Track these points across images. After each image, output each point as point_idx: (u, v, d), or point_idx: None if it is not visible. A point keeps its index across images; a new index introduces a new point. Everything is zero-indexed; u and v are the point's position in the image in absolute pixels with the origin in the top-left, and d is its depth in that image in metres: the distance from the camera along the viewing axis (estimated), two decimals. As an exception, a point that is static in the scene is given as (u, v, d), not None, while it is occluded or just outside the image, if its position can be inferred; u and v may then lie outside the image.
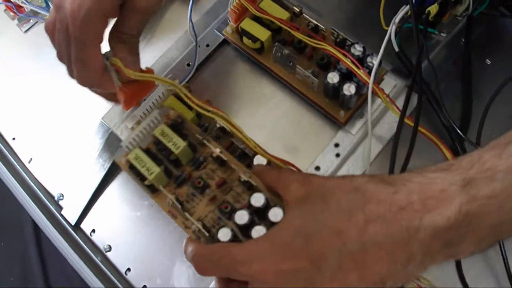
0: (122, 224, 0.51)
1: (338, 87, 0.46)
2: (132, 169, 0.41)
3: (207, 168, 0.41)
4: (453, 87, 0.51)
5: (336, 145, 0.48)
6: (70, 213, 0.52)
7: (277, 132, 0.50)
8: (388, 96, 0.46)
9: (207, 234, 0.38)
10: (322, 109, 0.48)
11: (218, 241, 0.36)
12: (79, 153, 0.54)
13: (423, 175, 0.31)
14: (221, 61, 0.53)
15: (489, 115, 0.49)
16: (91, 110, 0.54)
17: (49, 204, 0.53)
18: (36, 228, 0.70)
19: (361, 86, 0.46)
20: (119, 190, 0.52)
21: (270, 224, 0.35)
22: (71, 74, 0.43)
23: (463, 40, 0.53)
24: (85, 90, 0.47)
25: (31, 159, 0.56)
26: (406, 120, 0.44)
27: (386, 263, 0.29)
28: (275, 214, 0.35)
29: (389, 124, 0.49)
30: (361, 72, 0.45)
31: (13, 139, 0.57)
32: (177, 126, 0.41)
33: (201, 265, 0.34)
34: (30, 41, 0.60)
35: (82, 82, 0.43)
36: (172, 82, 0.41)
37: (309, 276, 0.30)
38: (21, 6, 0.54)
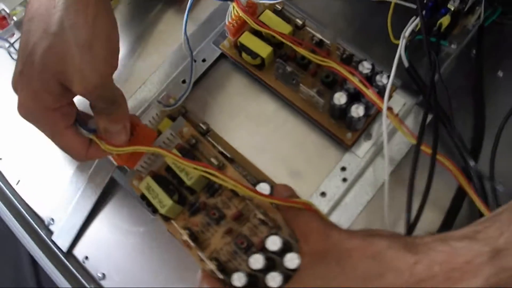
0: (116, 251, 0.48)
1: (345, 109, 0.43)
2: (143, 197, 0.39)
3: (223, 195, 0.39)
4: (465, 103, 0.48)
5: (343, 168, 0.45)
6: (62, 239, 0.50)
7: (279, 154, 0.47)
8: (400, 119, 0.43)
9: (221, 277, 0.36)
10: (327, 131, 0.46)
11: (232, 286, 0.35)
12: (70, 175, 0.51)
13: (448, 244, 0.28)
14: (218, 77, 0.50)
15: (504, 132, 0.46)
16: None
17: (39, 229, 0.51)
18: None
19: (369, 107, 0.43)
20: (113, 215, 0.49)
21: (286, 270, 0.33)
22: None
23: (474, 51, 0.50)
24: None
25: (18, 181, 0.53)
26: (424, 148, 0.41)
27: None
28: (291, 259, 0.33)
29: (398, 146, 0.46)
30: (370, 93, 0.42)
31: (0, 159, 0.54)
32: (190, 151, 0.40)
33: None
34: (14, 56, 0.56)
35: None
36: (158, 150, 0.38)
37: None
38: (4, 19, 0.50)
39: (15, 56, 0.53)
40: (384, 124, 0.42)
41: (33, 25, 0.34)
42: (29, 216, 0.51)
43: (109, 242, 0.49)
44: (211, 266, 0.36)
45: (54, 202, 0.51)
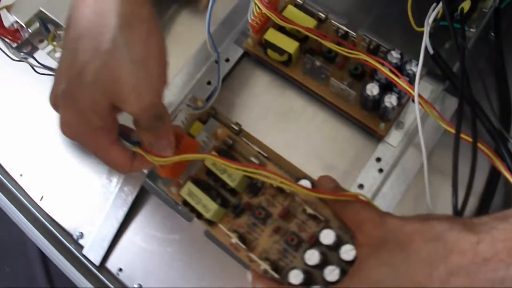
0: (152, 260, 0.47)
1: (379, 99, 0.43)
2: (185, 204, 0.39)
3: (266, 194, 0.39)
4: (488, 85, 0.48)
5: (378, 159, 0.45)
6: (93, 252, 0.49)
7: (311, 150, 0.46)
8: (432, 105, 0.43)
9: (277, 276, 0.35)
10: (360, 122, 0.45)
11: (289, 283, 0.34)
12: (96, 185, 0.50)
13: (508, 222, 0.28)
14: (242, 76, 0.49)
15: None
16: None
17: (68, 244, 0.49)
18: (41, 251, 0.67)
19: (402, 96, 0.43)
20: (146, 224, 0.48)
21: (341, 262, 0.33)
22: None
23: (492, 34, 0.50)
24: None
25: (42, 196, 0.51)
26: (463, 136, 0.41)
27: None
28: (347, 251, 0.33)
29: (428, 133, 0.46)
30: (402, 82, 0.42)
31: (21, 175, 0.53)
32: (228, 152, 0.39)
33: None
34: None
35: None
36: (205, 156, 0.38)
37: None
38: (17, 31, 0.49)
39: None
40: (416, 111, 0.42)
41: (81, 44, 0.32)
42: (56, 231, 0.50)
43: (143, 252, 0.48)
44: (265, 266, 0.36)
45: (81, 216, 0.50)
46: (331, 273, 0.33)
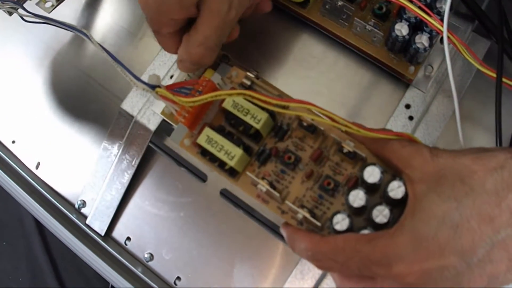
0: (163, 227, 0.44)
1: (408, 40, 0.39)
2: (204, 153, 0.34)
3: (293, 137, 0.34)
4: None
5: (407, 106, 0.42)
6: (98, 222, 0.45)
7: (335, 98, 0.43)
8: (465, 44, 0.39)
9: (318, 224, 0.32)
10: (386, 67, 0.42)
11: (334, 230, 0.31)
12: (97, 151, 0.46)
13: None
14: (254, 21, 0.45)
15: None
16: (105, 98, 0.47)
17: (70, 214, 0.46)
18: (37, 220, 0.65)
19: (433, 36, 0.40)
20: (155, 188, 0.45)
21: (389, 202, 0.30)
22: None
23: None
24: (93, 76, 0.45)
25: (38, 163, 0.48)
26: (505, 81, 0.38)
27: None
28: (395, 189, 0.30)
29: (460, 76, 0.43)
30: (433, 20, 0.38)
31: (13, 142, 0.49)
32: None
33: (323, 265, 0.30)
34: (16, 24, 0.50)
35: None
36: (241, 91, 0.33)
37: (457, 273, 0.27)
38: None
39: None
40: (446, 50, 0.39)
41: None
42: (56, 201, 0.47)
43: (153, 218, 0.45)
44: (303, 213, 0.32)
45: (82, 183, 0.46)
46: (381, 214, 0.30)
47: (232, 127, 0.35)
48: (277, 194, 0.32)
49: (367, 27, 0.41)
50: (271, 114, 0.34)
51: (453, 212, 0.27)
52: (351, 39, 0.42)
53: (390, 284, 0.29)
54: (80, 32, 0.37)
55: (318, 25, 0.43)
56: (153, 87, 0.33)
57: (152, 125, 0.43)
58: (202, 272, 0.43)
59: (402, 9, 0.40)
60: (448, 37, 0.39)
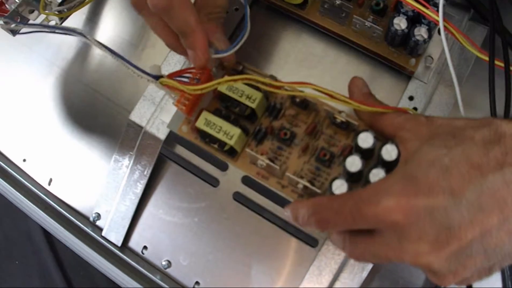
0: (179, 233, 0.45)
1: (407, 33, 0.40)
2: (203, 136, 0.36)
3: (287, 115, 0.36)
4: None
5: (411, 98, 0.43)
6: (113, 233, 0.46)
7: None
8: (462, 33, 0.40)
9: (319, 191, 0.33)
10: (387, 61, 0.43)
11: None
12: (108, 163, 0.47)
13: None
14: (255, 25, 0.46)
15: None
16: (112, 110, 0.48)
17: (85, 227, 0.47)
18: (47, 235, 0.68)
19: (432, 28, 0.41)
20: (168, 196, 0.46)
21: (384, 164, 0.32)
22: None
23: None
24: (99, 89, 0.45)
25: (50, 179, 0.49)
26: (497, 63, 0.39)
27: None
28: (389, 152, 0.31)
29: (460, 64, 0.44)
30: (430, 12, 0.39)
31: (24, 160, 0.50)
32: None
33: (322, 216, 0.31)
34: (18, 44, 0.51)
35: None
36: (246, 76, 0.34)
37: (446, 215, 0.27)
38: (2, 4, 0.45)
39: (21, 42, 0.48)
40: (443, 40, 0.40)
41: None
42: (71, 215, 0.48)
43: (168, 225, 0.46)
44: (303, 182, 0.34)
45: (96, 196, 0.47)
46: (377, 177, 0.31)
47: (228, 109, 0.37)
48: (276, 166, 0.34)
49: (366, 24, 0.42)
50: (264, 94, 0.36)
51: (443, 157, 0.28)
52: (351, 36, 0.43)
53: (387, 238, 0.29)
54: (78, 33, 0.38)
55: (318, 24, 0.44)
56: (156, 77, 0.34)
57: (162, 134, 0.44)
58: (220, 276, 0.44)
59: (399, 3, 0.41)
60: (445, 27, 0.40)
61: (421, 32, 0.40)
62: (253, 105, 0.35)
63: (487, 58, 0.41)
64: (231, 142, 0.35)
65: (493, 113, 0.41)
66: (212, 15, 0.39)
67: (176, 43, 0.37)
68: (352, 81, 0.36)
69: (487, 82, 0.42)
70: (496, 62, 0.41)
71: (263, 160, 0.34)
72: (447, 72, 0.44)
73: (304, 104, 0.36)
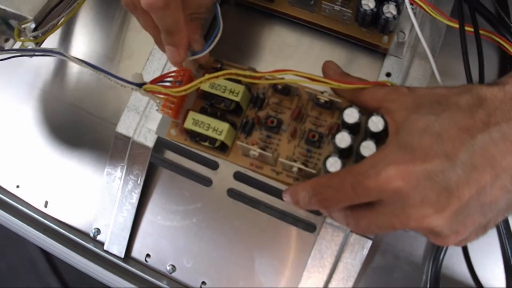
0: (179, 237, 0.46)
1: (377, 12, 0.41)
2: (193, 136, 0.37)
3: (270, 103, 0.37)
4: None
5: (388, 74, 0.44)
6: (115, 246, 0.47)
7: (317, 81, 0.45)
8: (429, 3, 0.41)
9: (314, 171, 0.34)
10: (360, 41, 0.44)
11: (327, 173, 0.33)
12: (101, 177, 0.48)
13: None
14: (228, 23, 0.46)
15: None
16: (98, 125, 0.49)
17: (86, 243, 0.48)
18: (49, 259, 0.67)
19: (400, 3, 0.42)
20: (164, 201, 0.47)
21: (373, 137, 0.33)
22: None
23: None
24: (82, 106, 0.46)
25: (46, 202, 0.49)
26: (467, 28, 0.40)
27: None
28: (375, 123, 0.33)
29: (432, 36, 0.45)
30: (394, -13, 0.40)
31: (17, 187, 0.51)
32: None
33: (323, 196, 0.32)
34: None
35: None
36: (228, 71, 0.35)
37: (444, 177, 0.29)
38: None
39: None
40: (410, 13, 0.41)
41: None
42: (70, 234, 0.48)
43: (168, 230, 0.46)
44: (297, 165, 0.34)
45: (93, 211, 0.48)
46: (367, 148, 0.32)
47: (213, 106, 0.37)
48: (269, 154, 0.35)
49: (335, 8, 0.43)
50: (246, 86, 0.37)
51: (433, 124, 0.30)
52: (322, 22, 0.44)
53: (391, 207, 0.30)
54: (56, 53, 0.38)
55: (288, 15, 0.45)
56: (139, 85, 0.35)
57: (150, 142, 0.45)
58: (225, 272, 0.45)
59: (361, -16, 0.42)
60: (412, 0, 0.41)
61: (389, 9, 0.41)
62: (237, 99, 0.36)
63: (457, 26, 0.42)
64: (221, 137, 0.36)
65: (469, 79, 0.42)
66: (194, 15, 0.40)
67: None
68: (325, 65, 0.37)
69: (460, 49, 0.43)
70: (467, 28, 0.42)
71: (255, 150, 0.35)
72: (420, 45, 0.44)
73: (286, 90, 0.37)
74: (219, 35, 0.39)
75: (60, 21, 0.46)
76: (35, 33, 0.46)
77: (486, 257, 0.42)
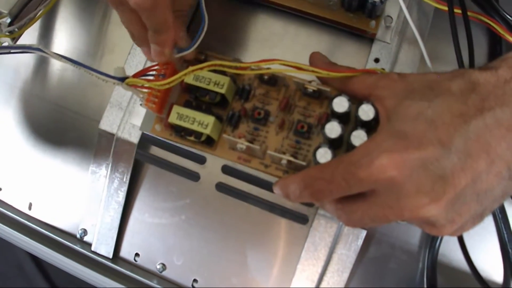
0: (168, 234, 0.45)
1: (363, -4, 0.40)
2: (178, 131, 0.36)
3: (257, 94, 0.36)
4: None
5: (376, 60, 0.43)
6: (103, 246, 0.46)
7: (305, 68, 0.44)
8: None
9: (304, 163, 0.33)
10: (347, 27, 0.44)
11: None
12: (85, 176, 0.46)
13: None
14: (211, 14, 0.45)
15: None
16: (80, 123, 0.48)
17: (73, 245, 0.47)
18: (37, 262, 0.69)
19: (385, -14, 0.41)
20: (151, 198, 0.46)
21: (363, 125, 0.32)
22: None
23: None
24: (64, 105, 0.45)
25: (30, 204, 0.48)
26: (455, 10, 0.40)
27: (510, 141, 0.28)
28: (365, 112, 0.32)
29: (420, 19, 0.44)
30: (380, -30, 0.40)
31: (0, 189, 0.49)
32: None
33: (314, 189, 0.30)
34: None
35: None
36: (212, 62, 0.34)
37: (439, 165, 0.28)
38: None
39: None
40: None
41: None
42: (56, 236, 0.47)
43: (156, 228, 0.46)
44: (286, 157, 0.34)
45: (79, 212, 0.47)
46: (358, 138, 0.31)
47: (198, 99, 0.37)
48: (257, 147, 0.34)
49: (320, -7, 0.42)
50: (231, 78, 0.36)
51: (426, 110, 0.29)
52: (307, 8, 0.44)
53: (385, 198, 0.29)
54: (35, 49, 0.37)
55: (273, 2, 0.44)
56: (122, 79, 0.34)
57: (134, 138, 0.44)
58: (217, 269, 0.44)
59: (346, -32, 0.41)
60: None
61: (376, -8, 0.41)
62: (222, 91, 0.36)
63: (446, 8, 0.42)
64: (207, 131, 0.35)
65: (460, 62, 0.41)
66: (179, 12, 0.39)
67: (145, 38, 0.37)
68: (312, 56, 0.36)
69: (449, 33, 0.42)
70: (455, 10, 0.42)
71: (242, 143, 0.34)
72: (409, 29, 0.44)
73: (273, 81, 0.36)
74: (204, 30, 0.38)
75: (37, 15, 0.45)
76: (10, 28, 0.45)
77: (482, 243, 0.41)
